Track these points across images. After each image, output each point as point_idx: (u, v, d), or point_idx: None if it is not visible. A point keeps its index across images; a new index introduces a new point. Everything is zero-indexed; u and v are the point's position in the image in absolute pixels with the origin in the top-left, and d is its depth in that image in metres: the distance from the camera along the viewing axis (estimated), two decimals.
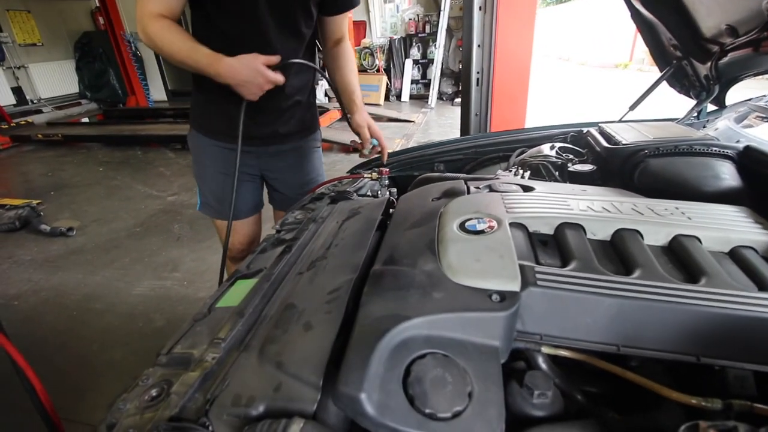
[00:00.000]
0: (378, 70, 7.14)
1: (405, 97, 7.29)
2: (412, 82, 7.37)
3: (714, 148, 0.85)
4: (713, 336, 0.53)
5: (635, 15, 1.25)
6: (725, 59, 1.07)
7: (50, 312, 2.07)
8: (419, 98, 7.26)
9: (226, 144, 1.29)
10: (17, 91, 7.02)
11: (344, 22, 1.32)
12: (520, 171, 1.14)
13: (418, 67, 7.35)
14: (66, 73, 7.68)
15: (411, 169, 1.36)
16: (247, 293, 0.68)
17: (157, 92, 8.04)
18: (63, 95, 7.65)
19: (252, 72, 1.01)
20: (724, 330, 0.53)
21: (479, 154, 1.41)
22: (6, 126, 6.24)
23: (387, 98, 7.24)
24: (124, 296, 2.22)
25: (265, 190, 1.51)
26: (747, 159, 0.85)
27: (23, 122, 6.52)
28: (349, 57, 1.33)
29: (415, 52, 7.20)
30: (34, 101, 7.26)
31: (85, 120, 6.77)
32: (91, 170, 4.51)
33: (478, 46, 1.97)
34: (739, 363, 0.53)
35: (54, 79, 7.49)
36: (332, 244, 0.80)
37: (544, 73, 9.19)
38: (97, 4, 7.31)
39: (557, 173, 1.11)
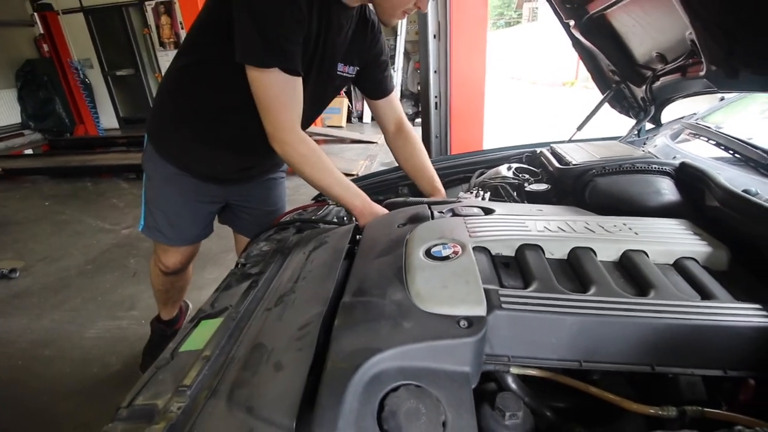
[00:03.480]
0: (339, 94, 7.24)
1: (366, 118, 7.38)
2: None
3: (654, 166, 0.92)
4: (664, 345, 0.57)
5: (576, 43, 1.35)
6: (657, 83, 1.17)
7: None
8: None
9: (193, 176, 1.26)
10: None
11: (395, 105, 1.28)
12: (481, 192, 1.19)
13: None
14: (6, 102, 7.25)
15: (376, 193, 1.37)
16: (212, 335, 0.66)
17: (108, 119, 7.73)
18: (3, 126, 7.21)
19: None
20: (673, 339, 0.56)
21: (441, 177, 1.45)
22: None
23: (349, 120, 7.32)
24: (76, 340, 2.07)
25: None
26: (683, 174, 0.92)
27: None
28: (416, 142, 1.28)
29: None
30: None
31: (29, 151, 6.40)
32: (37, 205, 4.24)
33: (435, 71, 2.06)
34: (689, 369, 0.57)
35: None
36: (300, 276, 0.80)
37: (499, 92, 9.60)
38: (41, 31, 7.01)
39: (515, 193, 1.16)
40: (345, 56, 1.11)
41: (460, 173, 1.47)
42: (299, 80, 0.97)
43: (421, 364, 0.52)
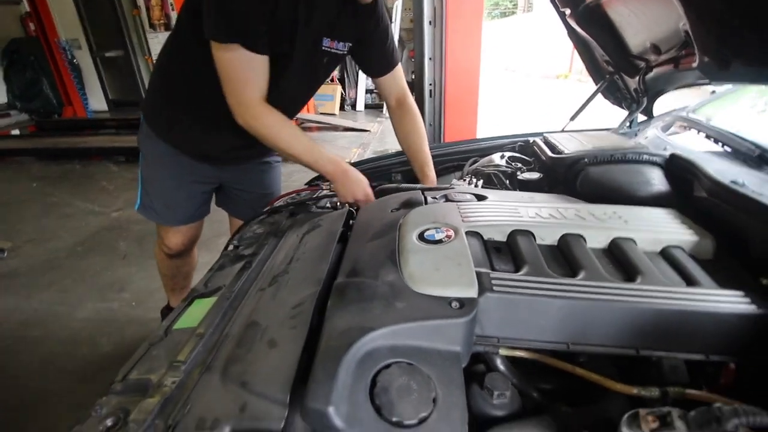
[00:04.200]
0: (332, 80, 7.16)
1: (360, 106, 7.33)
2: (367, 91, 7.43)
3: (644, 156, 0.94)
4: (649, 329, 0.58)
5: (571, 33, 1.35)
6: (651, 74, 1.18)
7: None
8: (374, 107, 7.32)
9: (189, 157, 1.26)
10: None
11: (396, 81, 1.26)
12: (474, 180, 1.19)
13: None
14: None
15: (369, 179, 1.38)
16: (206, 313, 0.66)
17: (97, 102, 7.56)
18: None
19: (362, 191, 1.04)
20: (658, 323, 0.58)
21: (435, 164, 1.45)
22: None
23: (342, 108, 7.26)
24: (65, 321, 2.06)
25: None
26: (672, 165, 0.94)
27: None
28: (415, 120, 1.26)
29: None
30: None
31: (16, 132, 6.26)
32: (24, 186, 4.17)
33: (430, 59, 2.05)
34: (672, 353, 0.59)
35: None
36: (294, 258, 0.80)
37: (493, 83, 9.57)
38: (28, 10, 6.81)
39: (507, 181, 1.17)
40: (332, 31, 1.08)
41: (454, 161, 1.48)
42: (263, 58, 0.97)
43: (413, 343, 0.53)
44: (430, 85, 2.10)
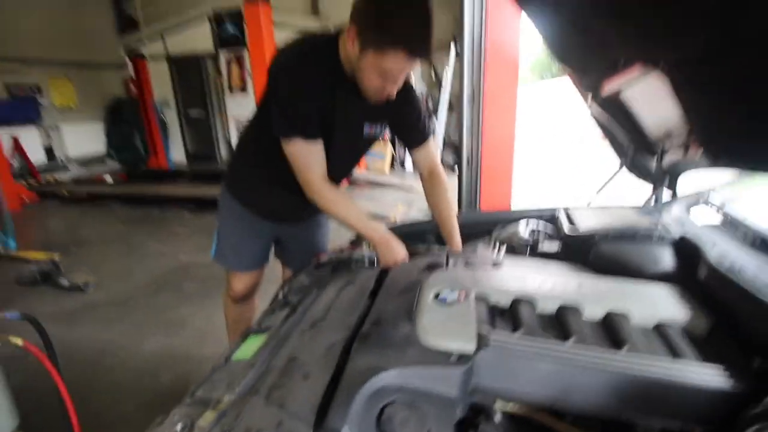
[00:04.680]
0: (383, 140, 7.62)
1: (408, 166, 7.69)
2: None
3: (654, 236, 1.02)
4: (629, 395, 0.66)
5: (593, 113, 1.48)
6: (666, 157, 1.27)
7: (64, 366, 2.17)
8: None
9: (254, 214, 1.51)
10: (48, 150, 7.54)
11: (428, 152, 1.45)
12: (498, 246, 1.31)
13: None
14: (95, 133, 8.27)
15: (406, 239, 1.53)
16: (258, 348, 0.83)
17: (178, 154, 8.55)
18: (90, 154, 8.19)
19: (399, 256, 1.19)
20: (636, 390, 0.66)
21: (467, 230, 1.58)
22: (35, 183, 6.64)
23: (392, 166, 7.64)
24: (134, 352, 2.32)
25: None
26: (681, 246, 1.01)
27: (51, 179, 6.94)
28: (443, 191, 1.42)
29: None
30: (63, 159, 7.76)
31: (108, 179, 7.19)
32: (111, 227, 4.76)
33: (469, 131, 2.25)
34: (650, 419, 0.66)
35: (83, 139, 8.06)
36: (331, 307, 0.96)
37: (546, 147, 9.62)
38: (132, 75, 8.05)
39: (529, 250, 1.28)
40: (370, 116, 1.31)
41: (485, 228, 1.60)
42: (318, 143, 1.19)
43: (417, 385, 0.65)
44: (468, 155, 2.30)
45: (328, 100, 1.19)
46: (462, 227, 1.41)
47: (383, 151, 7.33)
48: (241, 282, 1.64)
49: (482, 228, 1.59)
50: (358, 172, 6.36)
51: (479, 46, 2.27)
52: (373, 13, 1.03)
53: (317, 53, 1.16)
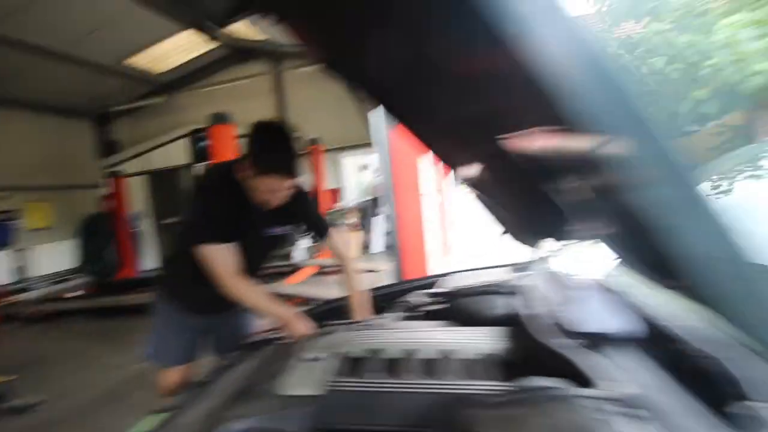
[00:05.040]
0: (355, 227, 8.04)
1: (378, 248, 8.02)
2: (388, 233, 8.15)
3: (492, 288, 1.28)
4: (430, 411, 0.85)
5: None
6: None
7: None
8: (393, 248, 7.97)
9: (182, 311, 1.71)
10: (19, 269, 7.53)
11: (332, 242, 1.76)
12: (400, 311, 1.54)
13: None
14: (67, 250, 8.36)
15: (324, 316, 1.73)
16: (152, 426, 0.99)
17: (151, 260, 8.62)
18: (60, 271, 8.18)
19: (304, 329, 1.37)
20: (432, 407, 0.85)
21: (387, 298, 1.80)
22: None
23: (365, 250, 7.96)
24: None
25: None
26: (513, 296, 1.26)
27: (14, 300, 6.83)
28: (349, 270, 1.72)
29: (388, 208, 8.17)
30: (31, 279, 7.71)
31: (77, 293, 7.12)
32: (72, 343, 4.71)
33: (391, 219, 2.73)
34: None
35: (55, 256, 8.12)
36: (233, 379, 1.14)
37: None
38: (108, 192, 8.35)
39: (423, 311, 1.50)
40: (272, 221, 1.61)
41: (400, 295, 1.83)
42: (227, 246, 1.45)
43: (268, 425, 0.84)
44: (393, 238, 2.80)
45: (235, 211, 1.49)
46: (380, 298, 1.65)
47: (352, 238, 7.65)
48: (170, 378, 1.76)
49: (400, 295, 1.82)
50: (325, 258, 6.58)
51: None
52: (254, 150, 1.42)
53: (223, 178, 1.52)
